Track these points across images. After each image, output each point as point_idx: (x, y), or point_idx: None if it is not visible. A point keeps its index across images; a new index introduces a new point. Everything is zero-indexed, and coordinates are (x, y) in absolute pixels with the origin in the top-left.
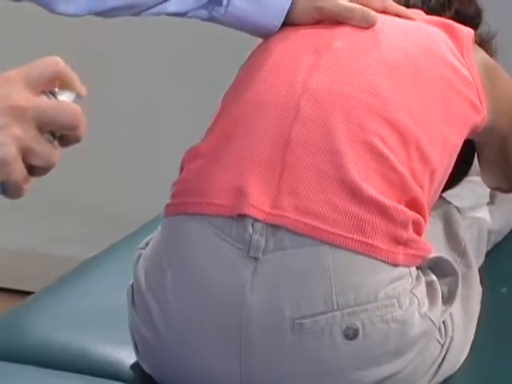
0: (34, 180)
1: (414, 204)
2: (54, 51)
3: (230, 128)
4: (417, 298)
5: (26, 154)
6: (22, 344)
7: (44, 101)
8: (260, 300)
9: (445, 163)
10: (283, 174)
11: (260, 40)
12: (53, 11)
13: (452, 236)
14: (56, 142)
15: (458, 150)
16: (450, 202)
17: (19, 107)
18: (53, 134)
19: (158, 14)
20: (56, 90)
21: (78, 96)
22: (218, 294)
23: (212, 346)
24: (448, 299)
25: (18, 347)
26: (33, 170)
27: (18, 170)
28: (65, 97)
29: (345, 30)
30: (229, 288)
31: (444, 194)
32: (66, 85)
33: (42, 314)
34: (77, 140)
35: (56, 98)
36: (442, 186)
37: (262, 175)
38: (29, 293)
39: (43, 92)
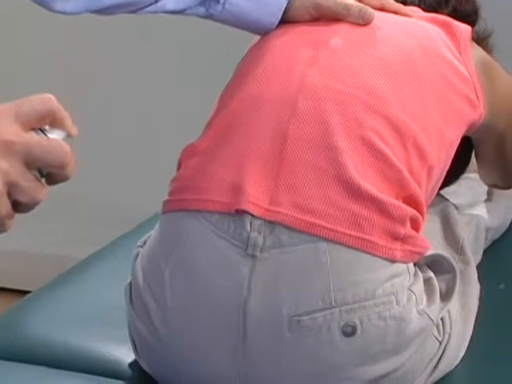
0: (17, 216)
1: (411, 200)
2: (53, 50)
3: (227, 124)
4: (415, 294)
5: (11, 189)
6: (21, 343)
7: (33, 137)
8: (258, 298)
9: (442, 160)
10: (281, 170)
11: (258, 37)
12: (50, 9)
13: (450, 233)
14: (43, 180)
15: (456, 146)
16: (447, 200)
17: (8, 142)
18: (40, 171)
19: (155, 12)
20: (47, 127)
21: (69, 135)
22: (215, 292)
23: (210, 343)
24: (446, 296)
25: (17, 346)
26: (17, 206)
27: (3, 205)
28: (55, 135)
29: (342, 27)
30: (226, 286)
31: (441, 192)
32: (57, 123)
33: (41, 312)
34: (65, 179)
35: (46, 135)
36: (440, 184)
37: (259, 172)
38: (27, 292)
39: (33, 129)
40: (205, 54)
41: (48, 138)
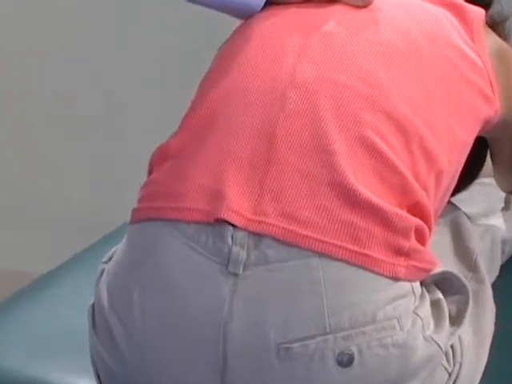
0: None
1: (417, 209)
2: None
3: (205, 121)
4: (420, 318)
5: None
6: None
7: None
8: (241, 322)
9: (453, 163)
10: (267, 175)
11: (240, 21)
12: None
13: (461, 247)
14: None
15: (469, 147)
16: (459, 208)
17: None
18: None
19: None
20: None
21: None
22: (192, 315)
23: (186, 373)
24: (456, 320)
25: None
26: None
27: None
28: None
29: (337, 9)
30: (205, 309)
31: (452, 199)
32: None
33: None
34: None
35: None
36: (451, 190)
37: (242, 176)
38: None
39: None
40: (182, 39)
41: None
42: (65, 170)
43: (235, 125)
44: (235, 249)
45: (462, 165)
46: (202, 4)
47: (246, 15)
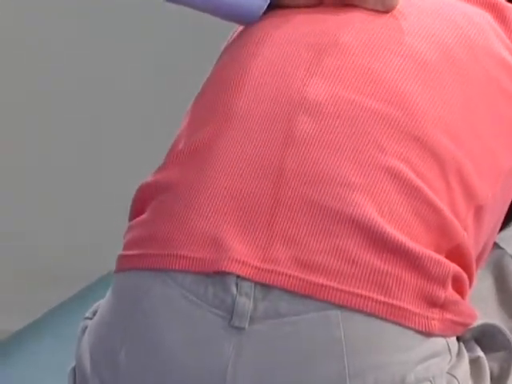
0: None
1: (456, 253)
2: None
3: (201, 153)
4: (457, 380)
5: None
6: None
7: None
8: None
9: (498, 197)
10: (275, 215)
11: (239, 27)
12: None
13: (506, 295)
14: None
15: None
16: (502, 248)
17: None
18: None
19: None
20: None
21: None
22: (189, 379)
23: None
24: (499, 381)
25: None
26: None
27: None
28: None
29: (355, 16)
30: (205, 371)
31: (495, 238)
32: None
33: None
34: None
35: None
36: (497, 230)
37: (247, 218)
38: None
39: None
40: (170, 53)
41: None
42: (42, 210)
43: (235, 159)
44: (240, 299)
45: (511, 198)
46: (190, 5)
47: (245, 21)
